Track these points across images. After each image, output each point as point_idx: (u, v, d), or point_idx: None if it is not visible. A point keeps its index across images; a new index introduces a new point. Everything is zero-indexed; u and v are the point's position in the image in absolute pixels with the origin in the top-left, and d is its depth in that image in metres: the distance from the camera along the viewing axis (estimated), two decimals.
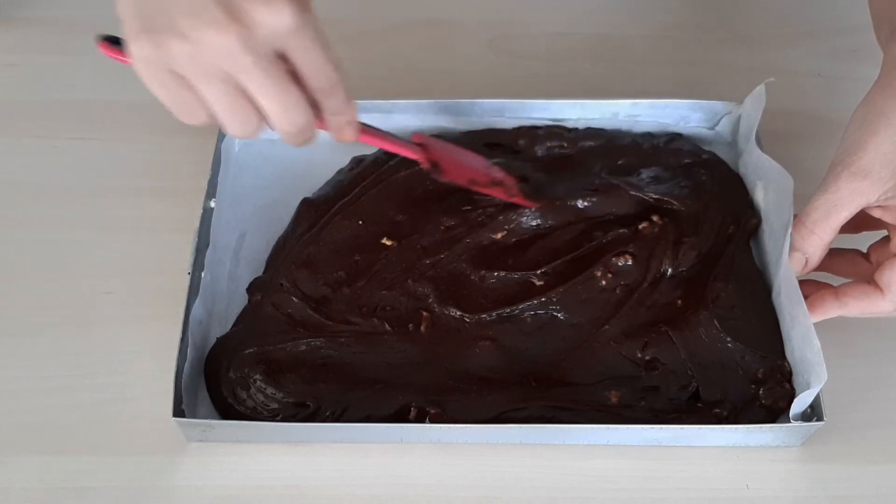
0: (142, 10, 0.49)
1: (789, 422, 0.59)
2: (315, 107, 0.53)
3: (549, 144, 0.73)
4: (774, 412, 0.61)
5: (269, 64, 0.49)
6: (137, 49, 0.49)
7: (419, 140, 0.66)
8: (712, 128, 0.75)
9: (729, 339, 0.63)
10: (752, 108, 0.71)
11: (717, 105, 0.74)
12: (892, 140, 0.58)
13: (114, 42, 0.55)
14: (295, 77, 0.51)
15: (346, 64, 0.90)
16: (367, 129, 0.60)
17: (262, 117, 0.51)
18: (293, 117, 0.51)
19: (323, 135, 0.77)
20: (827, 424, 0.59)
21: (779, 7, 0.89)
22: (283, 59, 0.50)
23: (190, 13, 0.47)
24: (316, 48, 0.50)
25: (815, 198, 0.60)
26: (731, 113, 0.74)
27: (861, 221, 0.61)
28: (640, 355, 0.63)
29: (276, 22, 0.47)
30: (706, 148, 0.74)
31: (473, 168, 0.68)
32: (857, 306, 0.60)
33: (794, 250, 0.61)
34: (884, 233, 0.62)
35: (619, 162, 0.72)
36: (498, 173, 0.69)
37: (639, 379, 0.62)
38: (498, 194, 0.68)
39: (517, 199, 0.68)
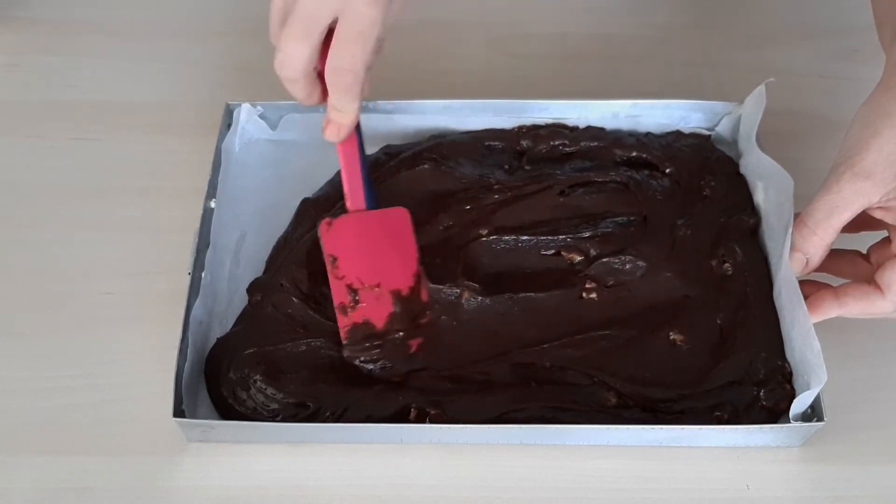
0: None
1: (790, 422, 0.59)
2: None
3: (551, 143, 0.73)
4: (775, 413, 0.61)
5: (308, 12, 0.54)
6: None
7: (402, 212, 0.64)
8: (712, 128, 0.75)
9: (730, 340, 0.63)
10: (753, 108, 0.71)
11: (718, 105, 0.74)
12: (895, 141, 0.58)
13: None
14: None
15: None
16: (351, 150, 0.62)
17: None
18: (283, 65, 0.56)
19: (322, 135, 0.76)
20: (827, 425, 0.59)
21: (779, 7, 0.89)
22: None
23: None
24: (355, 36, 0.55)
25: (816, 198, 0.60)
26: (731, 113, 0.74)
27: (861, 222, 0.61)
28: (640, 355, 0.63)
29: None
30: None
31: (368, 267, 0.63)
32: (857, 306, 0.60)
33: (794, 251, 0.61)
34: (884, 233, 0.62)
35: (620, 159, 0.73)
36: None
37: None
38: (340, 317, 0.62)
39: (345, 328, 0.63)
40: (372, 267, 0.63)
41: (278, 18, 0.56)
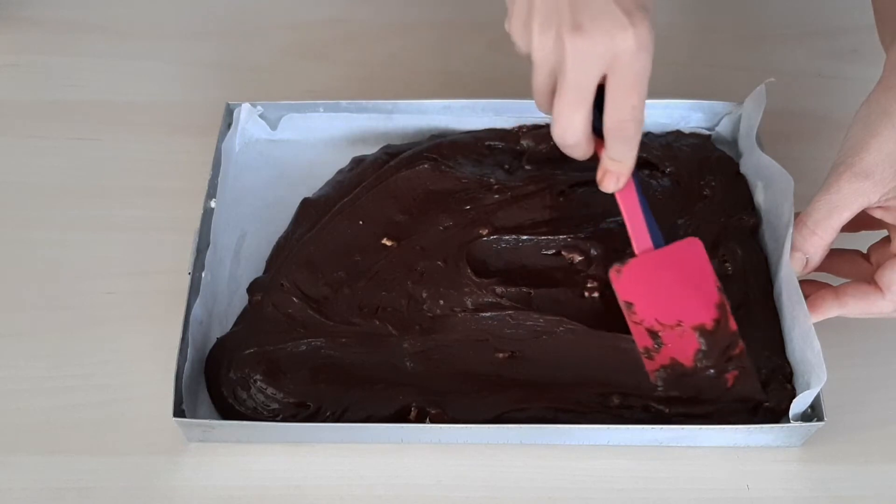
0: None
1: (790, 422, 0.59)
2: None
3: (551, 143, 0.73)
4: (776, 413, 0.61)
5: (579, 79, 0.52)
6: None
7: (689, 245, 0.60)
8: (712, 128, 0.75)
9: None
10: (753, 108, 0.71)
11: (718, 105, 0.74)
12: (894, 140, 0.58)
13: None
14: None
15: (346, 64, 0.90)
16: (630, 193, 0.59)
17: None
18: (564, 133, 0.55)
19: (323, 135, 0.77)
20: (827, 425, 0.59)
21: (779, 7, 0.89)
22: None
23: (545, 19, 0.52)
24: (632, 86, 0.53)
25: (816, 198, 0.60)
26: (731, 113, 0.74)
27: (861, 221, 0.61)
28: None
29: (613, 43, 0.51)
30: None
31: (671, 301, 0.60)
32: (857, 306, 0.60)
33: (794, 251, 0.61)
34: (884, 233, 0.62)
35: None
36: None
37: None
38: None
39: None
40: (669, 306, 0.60)
41: (546, 87, 0.54)
